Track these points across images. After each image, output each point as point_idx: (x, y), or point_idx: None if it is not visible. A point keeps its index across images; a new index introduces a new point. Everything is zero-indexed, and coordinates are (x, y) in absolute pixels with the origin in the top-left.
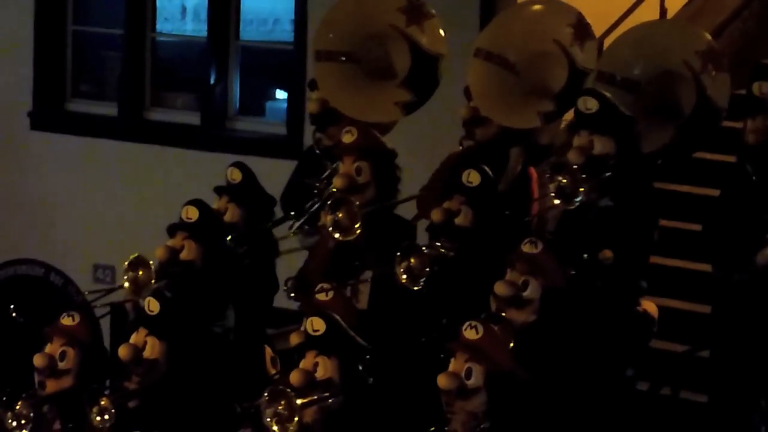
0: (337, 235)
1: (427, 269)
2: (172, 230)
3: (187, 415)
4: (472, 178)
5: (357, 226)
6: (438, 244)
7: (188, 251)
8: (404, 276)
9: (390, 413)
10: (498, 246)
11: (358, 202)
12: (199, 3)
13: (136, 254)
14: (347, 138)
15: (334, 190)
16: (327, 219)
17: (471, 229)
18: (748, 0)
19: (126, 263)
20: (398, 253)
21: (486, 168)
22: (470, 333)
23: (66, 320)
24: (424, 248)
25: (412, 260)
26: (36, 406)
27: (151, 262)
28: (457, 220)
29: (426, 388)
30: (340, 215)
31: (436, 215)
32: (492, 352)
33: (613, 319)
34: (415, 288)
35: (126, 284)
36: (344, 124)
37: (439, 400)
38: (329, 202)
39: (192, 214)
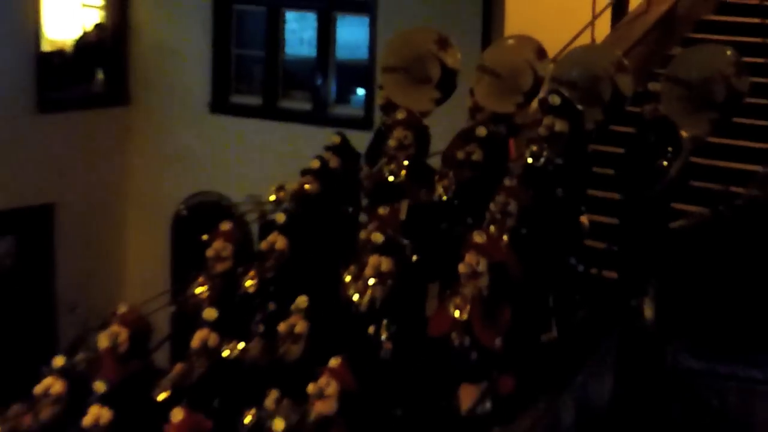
0: (391, 178)
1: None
2: (326, 149)
3: (304, 288)
4: (553, 100)
5: (402, 173)
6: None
7: (332, 162)
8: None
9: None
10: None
11: (405, 157)
12: (311, 35)
13: (280, 182)
14: (400, 115)
15: (391, 145)
16: (385, 168)
17: (567, 134)
18: (646, 33)
19: (274, 188)
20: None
21: (562, 91)
22: (479, 237)
23: (224, 226)
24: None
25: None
26: (210, 279)
27: (287, 185)
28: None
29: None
30: (392, 166)
31: (543, 130)
32: (492, 249)
33: (563, 226)
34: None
35: (272, 197)
36: (400, 111)
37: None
38: (386, 159)
39: (336, 139)
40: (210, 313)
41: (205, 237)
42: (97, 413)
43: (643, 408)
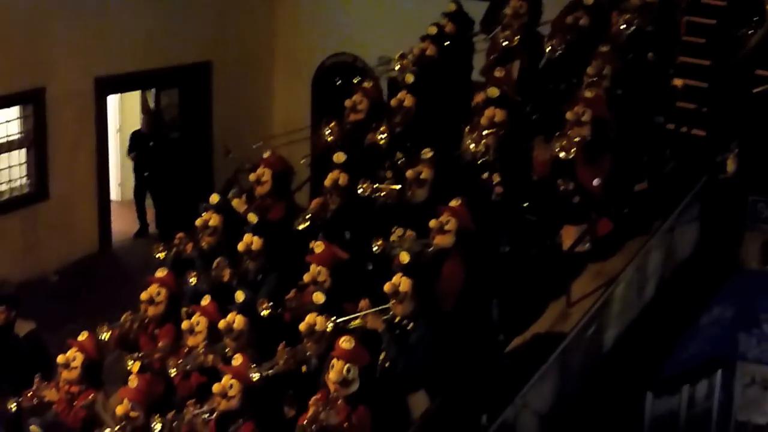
0: (505, 44)
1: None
2: (443, 15)
3: (428, 140)
4: None
5: (516, 39)
6: None
7: (448, 28)
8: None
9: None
10: None
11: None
12: None
13: (407, 48)
14: None
15: (508, 12)
16: (500, 35)
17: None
18: None
19: (397, 55)
20: None
21: None
22: (588, 92)
23: (367, 83)
24: None
25: None
26: (342, 126)
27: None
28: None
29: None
30: (507, 33)
31: (635, 1)
32: (597, 104)
33: (654, 88)
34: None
35: (398, 60)
36: None
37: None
38: (501, 27)
39: (451, 6)
40: (339, 157)
41: (357, 79)
42: (249, 241)
43: (724, 253)
